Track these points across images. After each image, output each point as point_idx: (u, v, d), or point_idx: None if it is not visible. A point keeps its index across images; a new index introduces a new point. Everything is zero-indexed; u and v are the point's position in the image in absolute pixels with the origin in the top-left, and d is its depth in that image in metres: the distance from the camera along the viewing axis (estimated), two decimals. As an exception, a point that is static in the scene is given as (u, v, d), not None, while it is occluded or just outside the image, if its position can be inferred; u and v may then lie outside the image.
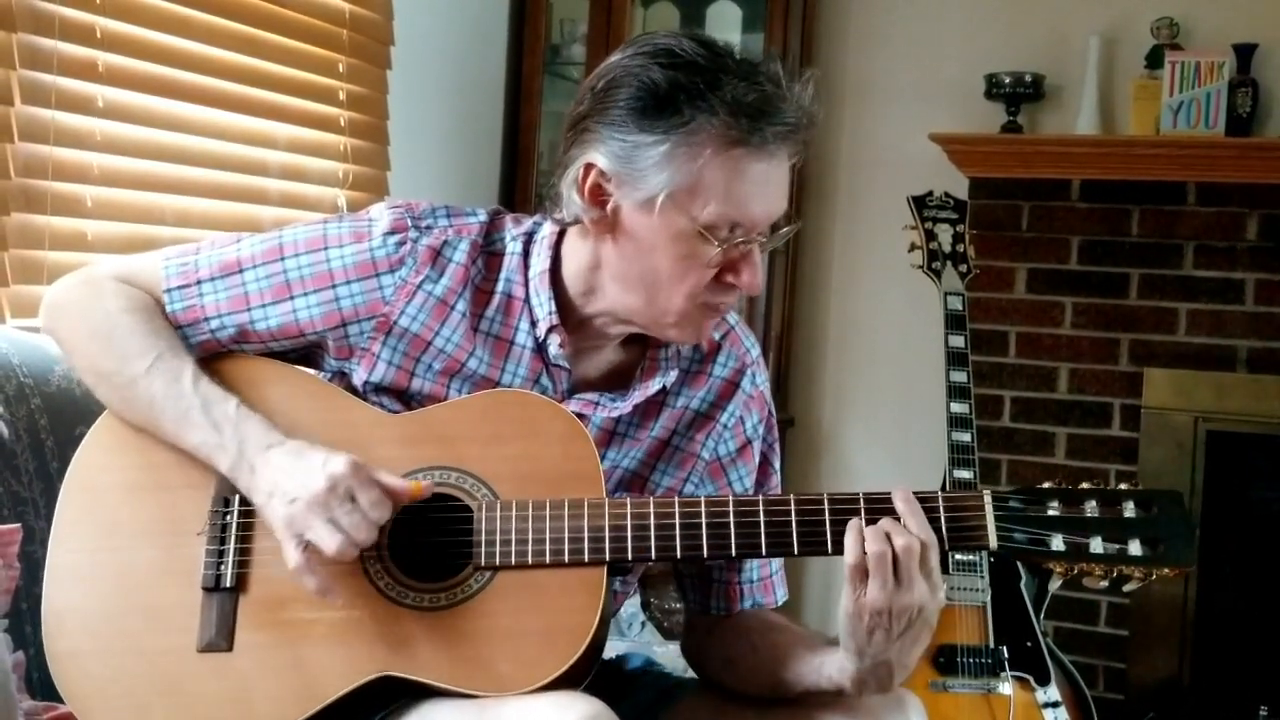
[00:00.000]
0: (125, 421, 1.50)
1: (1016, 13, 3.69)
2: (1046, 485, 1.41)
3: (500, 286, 1.53)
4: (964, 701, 2.71)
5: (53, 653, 1.45)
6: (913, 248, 2.99)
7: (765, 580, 1.62)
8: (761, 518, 1.41)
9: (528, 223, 1.57)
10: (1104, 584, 1.39)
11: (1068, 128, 3.59)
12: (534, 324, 1.51)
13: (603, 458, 1.47)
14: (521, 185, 3.67)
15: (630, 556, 1.41)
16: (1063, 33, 3.63)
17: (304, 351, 1.55)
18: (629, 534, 1.41)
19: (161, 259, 1.54)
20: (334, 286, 1.50)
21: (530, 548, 1.41)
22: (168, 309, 1.52)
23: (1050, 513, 1.39)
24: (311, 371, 1.57)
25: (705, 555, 1.42)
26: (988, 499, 1.39)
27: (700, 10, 3.80)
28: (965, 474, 2.78)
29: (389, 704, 1.42)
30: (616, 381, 1.56)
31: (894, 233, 3.13)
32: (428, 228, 1.52)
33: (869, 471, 3.86)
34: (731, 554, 1.43)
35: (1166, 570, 1.37)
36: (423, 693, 1.39)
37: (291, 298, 1.50)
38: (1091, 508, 1.39)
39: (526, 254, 1.53)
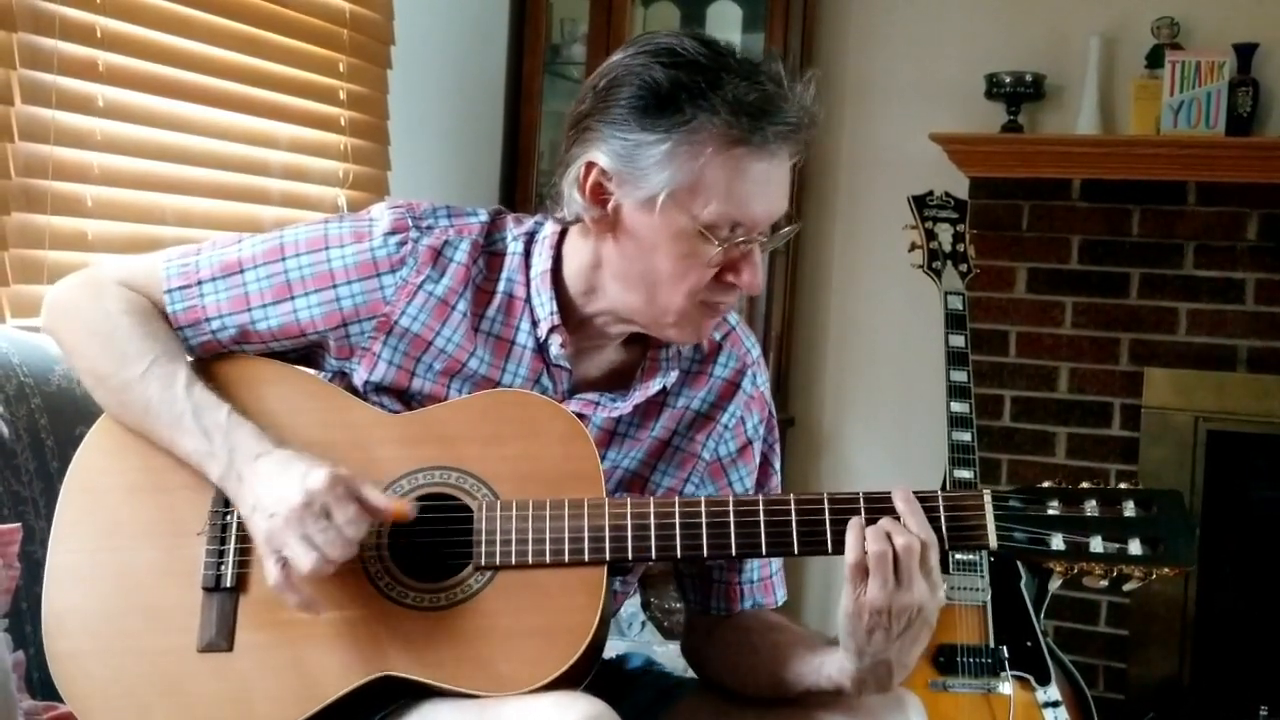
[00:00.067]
0: (123, 425, 1.50)
1: (1017, 13, 3.69)
2: (1046, 485, 1.41)
3: (501, 286, 1.53)
4: (964, 701, 2.71)
5: (53, 653, 1.45)
6: (913, 247, 2.99)
7: (765, 581, 1.62)
8: (761, 517, 1.41)
9: (529, 223, 1.57)
10: (1104, 583, 1.39)
11: (1068, 127, 3.59)
12: (535, 324, 1.51)
13: (603, 458, 1.47)
14: (522, 185, 3.67)
15: (630, 556, 1.41)
16: (1063, 32, 3.63)
17: (305, 351, 1.55)
18: (629, 534, 1.41)
19: (163, 260, 1.54)
20: (335, 286, 1.50)
21: (530, 547, 1.41)
22: (168, 309, 1.52)
23: (1050, 512, 1.39)
24: (311, 371, 1.57)
25: (705, 555, 1.42)
26: (988, 498, 1.39)
27: (700, 10, 3.80)
28: (965, 474, 2.78)
29: (389, 704, 1.42)
30: (617, 382, 1.56)
31: (894, 233, 3.13)
32: (429, 228, 1.52)
33: (869, 471, 3.86)
34: (732, 554, 1.43)
35: (1166, 570, 1.37)
36: (423, 693, 1.39)
37: (292, 298, 1.50)
38: (1091, 507, 1.39)
39: (528, 254, 1.53)
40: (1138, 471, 3.44)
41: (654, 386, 1.54)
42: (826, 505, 1.40)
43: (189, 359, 1.52)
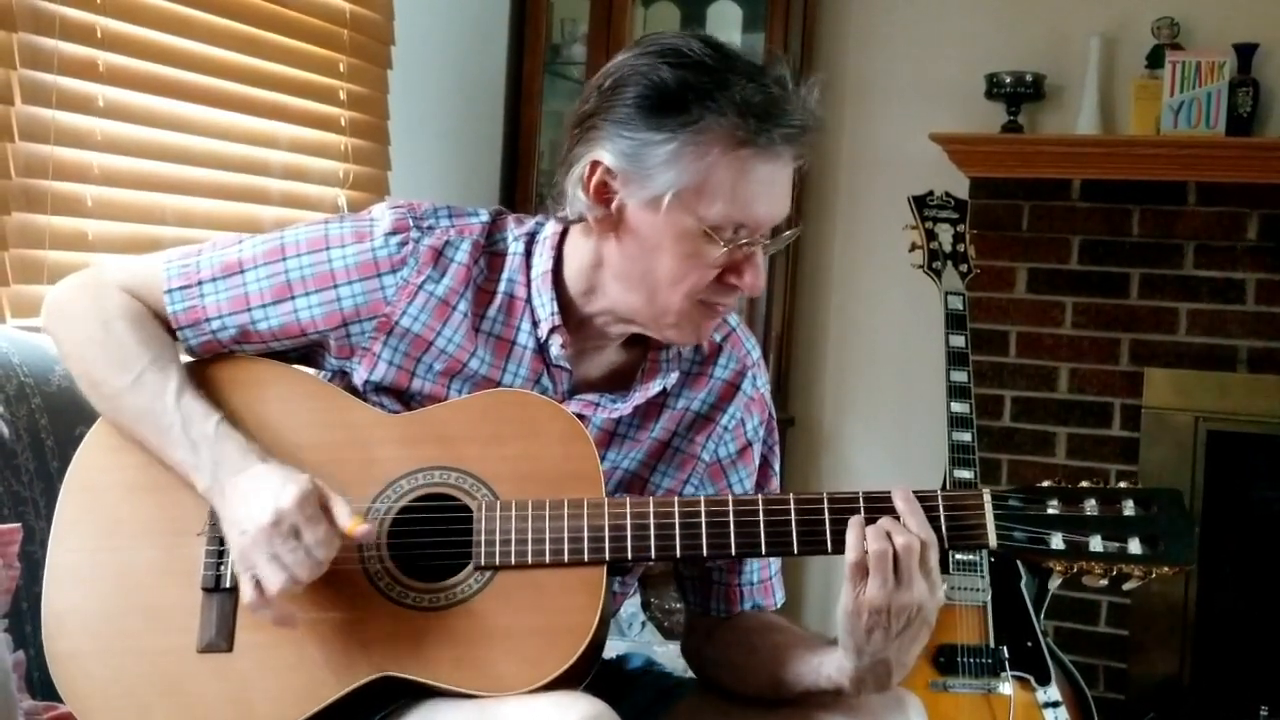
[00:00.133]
0: (117, 430, 1.51)
1: (1017, 13, 3.69)
2: (1046, 484, 1.41)
3: (502, 287, 1.53)
4: (964, 701, 2.71)
5: (53, 654, 1.45)
6: (913, 247, 2.99)
7: (765, 582, 1.62)
8: (761, 517, 1.41)
9: (530, 223, 1.57)
10: (1104, 582, 1.39)
11: (1068, 127, 3.59)
12: (535, 324, 1.51)
13: (603, 459, 1.47)
14: (522, 185, 3.67)
15: (630, 556, 1.41)
16: (1063, 32, 3.63)
17: (304, 351, 1.55)
18: (629, 534, 1.41)
19: (163, 260, 1.54)
20: (335, 286, 1.50)
21: (530, 547, 1.41)
22: (169, 310, 1.51)
23: (1050, 511, 1.39)
24: (311, 371, 1.57)
25: (705, 555, 1.42)
26: (987, 498, 1.39)
27: (700, 10, 3.80)
28: (965, 474, 2.78)
29: (389, 704, 1.42)
30: (617, 382, 1.56)
31: (894, 233, 3.13)
32: (429, 228, 1.52)
33: (869, 471, 3.86)
34: (731, 553, 1.43)
35: (1166, 569, 1.37)
36: (423, 693, 1.39)
37: (293, 298, 1.50)
38: (1091, 506, 1.39)
39: (529, 254, 1.53)
40: (1138, 472, 3.44)
41: (654, 387, 1.54)
42: (826, 505, 1.40)
43: (186, 361, 1.52)
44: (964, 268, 2.96)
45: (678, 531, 1.41)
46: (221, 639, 1.43)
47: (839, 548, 1.37)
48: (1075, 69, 3.59)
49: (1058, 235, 3.56)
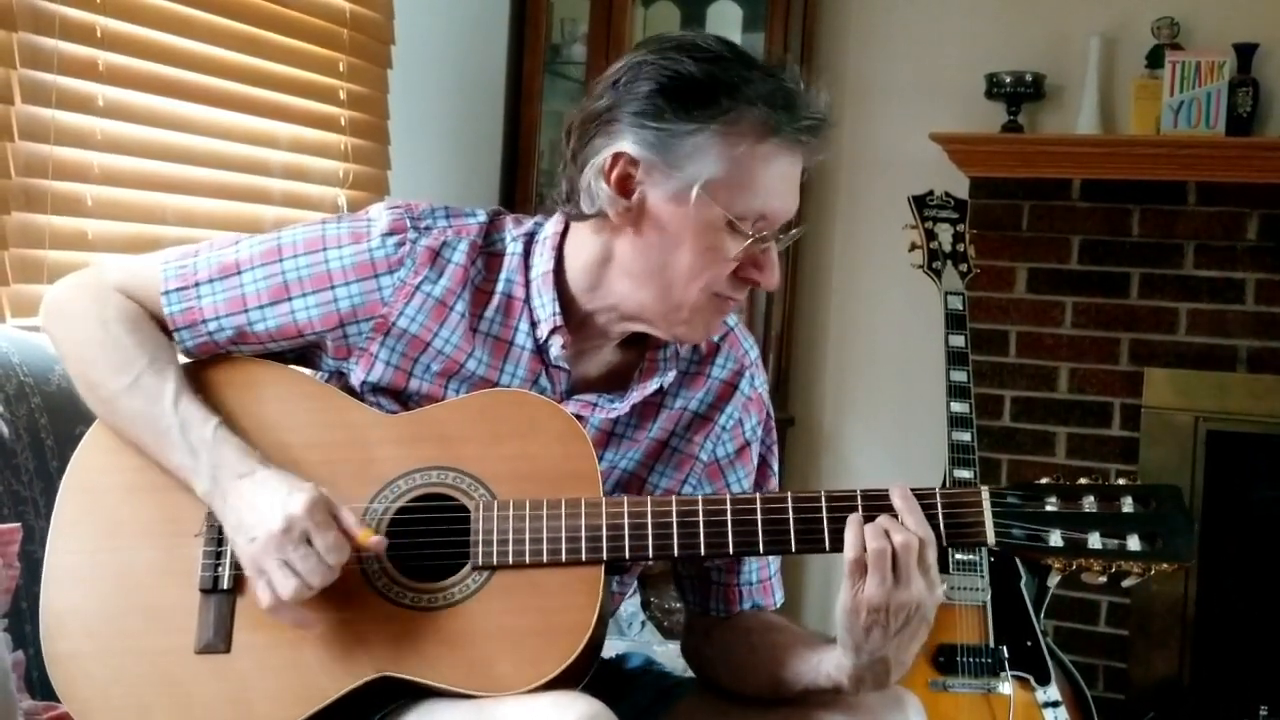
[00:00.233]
0: (114, 433, 1.51)
1: (1017, 13, 3.69)
2: (1044, 481, 1.41)
3: (500, 287, 1.52)
4: (964, 701, 2.71)
5: (51, 654, 1.45)
6: (913, 247, 3.00)
7: (764, 582, 1.62)
8: (759, 516, 1.41)
9: (528, 223, 1.56)
10: (1102, 579, 1.38)
11: (1068, 127, 3.59)
12: (534, 325, 1.51)
13: (600, 459, 1.47)
14: (522, 185, 3.67)
15: (628, 555, 1.41)
16: (1063, 32, 3.63)
17: (301, 352, 1.55)
18: (626, 533, 1.41)
19: (161, 261, 1.54)
20: (332, 287, 1.50)
21: (528, 547, 1.41)
22: (165, 310, 1.51)
23: (1048, 508, 1.39)
24: (308, 372, 1.57)
25: (703, 554, 1.42)
26: (985, 495, 1.39)
27: (700, 10, 3.80)
28: (965, 473, 2.78)
29: (387, 704, 1.41)
30: (615, 382, 1.56)
31: (894, 232, 3.13)
32: (427, 228, 1.52)
33: (869, 471, 3.86)
34: (729, 552, 1.43)
35: (1165, 565, 1.37)
36: (421, 693, 1.39)
37: (289, 299, 1.50)
38: (1090, 503, 1.39)
39: (527, 254, 1.53)
40: (1138, 471, 3.44)
41: (651, 386, 1.54)
42: (824, 503, 1.40)
43: (183, 362, 1.52)
44: (964, 267, 2.96)
45: (675, 531, 1.41)
46: (219, 640, 1.43)
47: (837, 546, 1.37)
48: (1075, 69, 3.59)
49: (1058, 235, 3.56)
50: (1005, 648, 2.75)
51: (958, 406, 2.83)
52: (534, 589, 1.40)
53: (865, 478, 3.76)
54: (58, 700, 1.45)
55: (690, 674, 1.66)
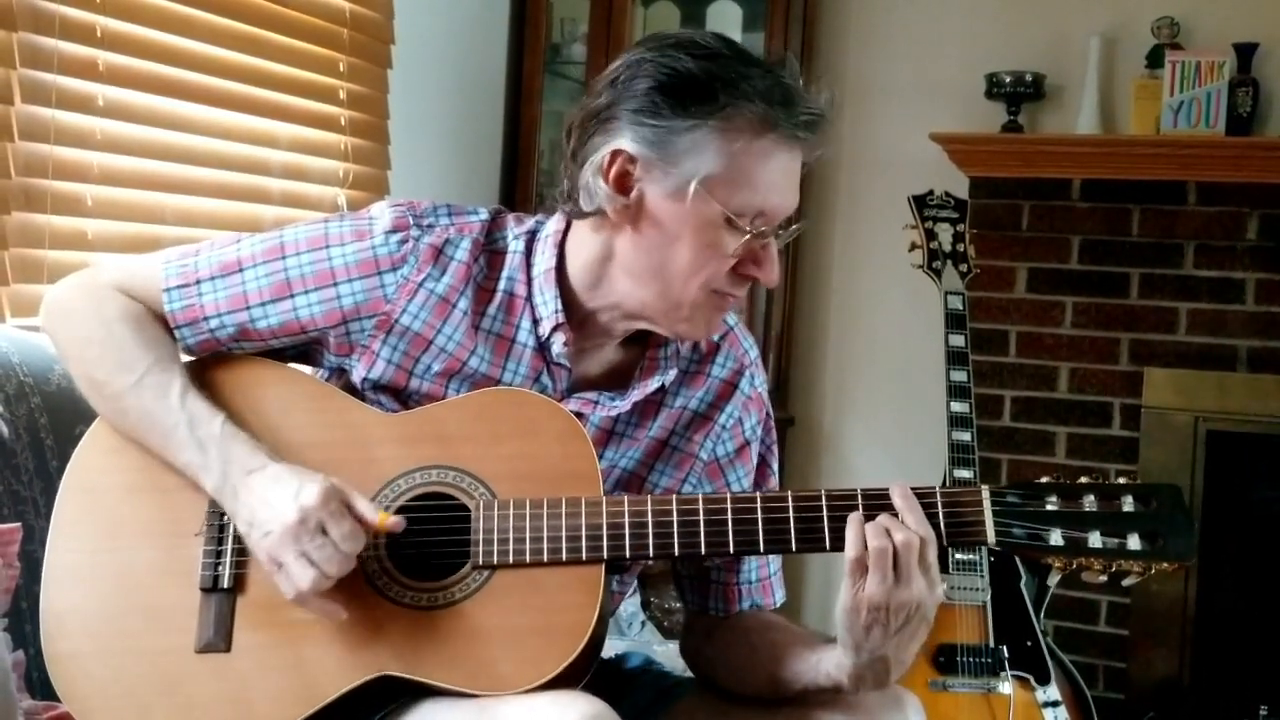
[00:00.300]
0: (118, 431, 1.50)
1: (1017, 12, 3.69)
2: (1045, 480, 1.41)
3: (502, 285, 1.53)
4: (964, 701, 2.71)
5: (52, 654, 1.45)
6: (913, 247, 3.00)
7: (764, 581, 1.62)
8: (759, 515, 1.41)
9: (530, 221, 1.57)
10: (1103, 579, 1.38)
11: (1068, 127, 3.59)
12: (536, 322, 1.51)
13: (600, 457, 1.47)
14: (522, 184, 3.67)
15: (628, 554, 1.41)
16: (1063, 32, 3.63)
17: (303, 349, 1.55)
18: (627, 532, 1.41)
19: (162, 260, 1.54)
20: (335, 284, 1.50)
21: (528, 546, 1.41)
22: (166, 309, 1.51)
23: (1049, 508, 1.39)
24: (309, 370, 1.57)
25: (703, 553, 1.42)
26: (986, 494, 1.39)
27: (700, 10, 3.80)
28: (965, 473, 2.78)
29: (388, 704, 1.41)
30: (615, 380, 1.56)
31: (894, 232, 3.13)
32: (429, 226, 1.52)
33: (869, 471, 3.86)
34: (729, 551, 1.43)
35: (1165, 564, 1.37)
36: (422, 692, 1.39)
37: (292, 296, 1.50)
38: (1090, 502, 1.39)
39: (529, 252, 1.53)
40: (1138, 471, 3.44)
41: (652, 385, 1.54)
42: (824, 502, 1.40)
43: (186, 361, 1.52)
44: (964, 267, 2.96)
45: (676, 530, 1.41)
46: (219, 639, 1.43)
47: (837, 545, 1.37)
48: (1075, 69, 3.59)
49: (1058, 235, 3.56)
50: (1005, 647, 2.75)
51: (958, 406, 2.83)
52: (534, 588, 1.40)
53: (865, 477, 3.75)
54: (58, 700, 1.45)
55: (690, 674, 1.65)
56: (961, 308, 2.91)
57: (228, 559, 1.44)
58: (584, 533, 1.41)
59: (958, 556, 2.78)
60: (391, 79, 3.10)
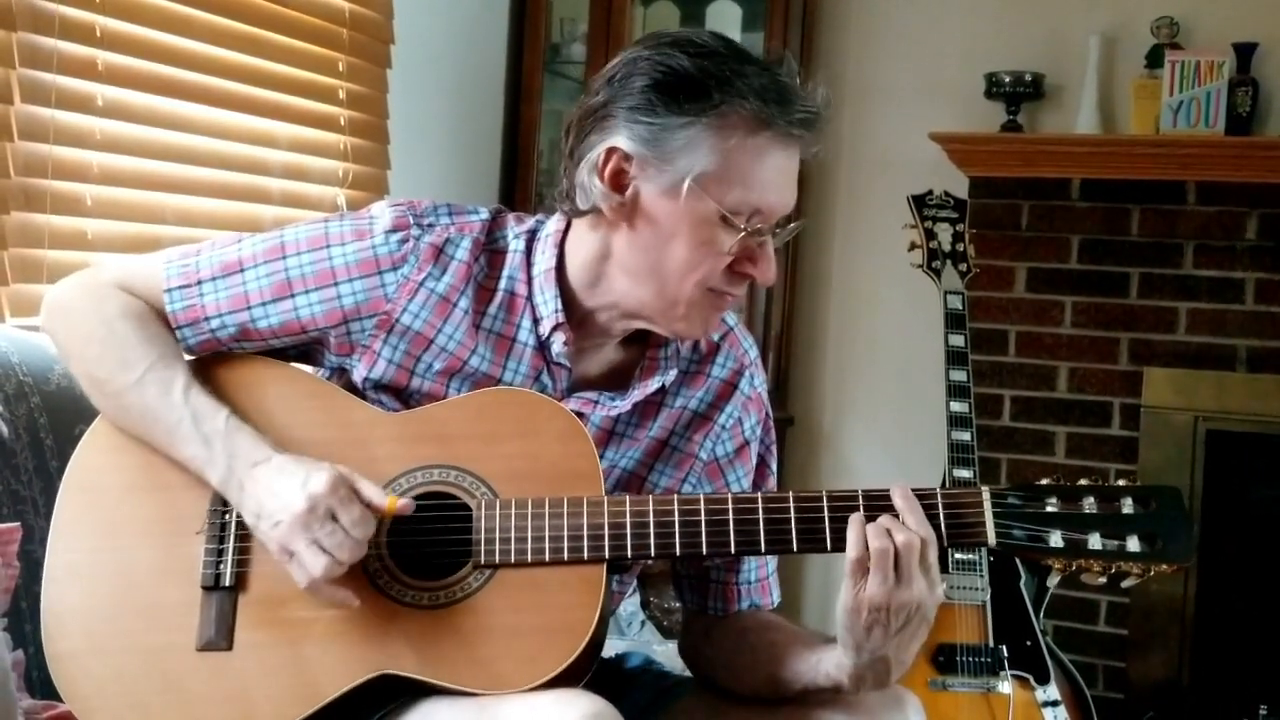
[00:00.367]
0: (120, 429, 1.50)
1: (1016, 12, 3.69)
2: (1045, 482, 1.41)
3: (502, 284, 1.53)
4: (963, 700, 2.71)
5: (52, 653, 1.45)
6: (912, 247, 3.00)
7: (763, 581, 1.62)
8: (760, 515, 1.41)
9: (530, 221, 1.57)
10: (1102, 580, 1.39)
11: (1068, 127, 3.59)
12: (536, 321, 1.51)
13: (601, 457, 1.47)
14: (521, 184, 3.67)
15: (630, 554, 1.41)
16: (1063, 32, 3.63)
17: (304, 349, 1.55)
18: (628, 531, 1.41)
19: (163, 260, 1.54)
20: (336, 284, 1.50)
21: (529, 545, 1.41)
22: (168, 309, 1.51)
23: (1049, 509, 1.39)
24: (310, 370, 1.57)
25: (704, 553, 1.42)
26: (986, 496, 1.40)
27: (700, 9, 3.79)
28: (965, 473, 2.78)
29: (388, 703, 1.41)
30: (616, 380, 1.56)
31: (894, 232, 3.13)
32: (430, 225, 1.52)
33: (869, 471, 3.86)
34: (731, 551, 1.43)
35: (1164, 566, 1.37)
36: (422, 691, 1.39)
37: (293, 295, 1.50)
38: (1090, 504, 1.39)
39: (529, 251, 1.53)
40: (1137, 471, 3.44)
41: (652, 385, 1.54)
42: (825, 503, 1.40)
43: (188, 360, 1.52)
44: (963, 267, 2.96)
45: (677, 529, 1.41)
46: (221, 637, 1.43)
47: (838, 545, 1.38)
48: (1075, 68, 3.58)
49: (1057, 234, 3.56)
50: (1005, 647, 2.76)
51: (957, 406, 2.83)
52: (535, 587, 1.40)
53: (865, 477, 3.76)
54: (58, 699, 1.45)
55: (689, 673, 1.66)
56: (961, 307, 2.91)
57: (229, 557, 1.44)
58: (585, 532, 1.41)
59: (957, 556, 2.78)
60: (391, 79, 3.10)
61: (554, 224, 1.53)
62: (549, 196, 1.53)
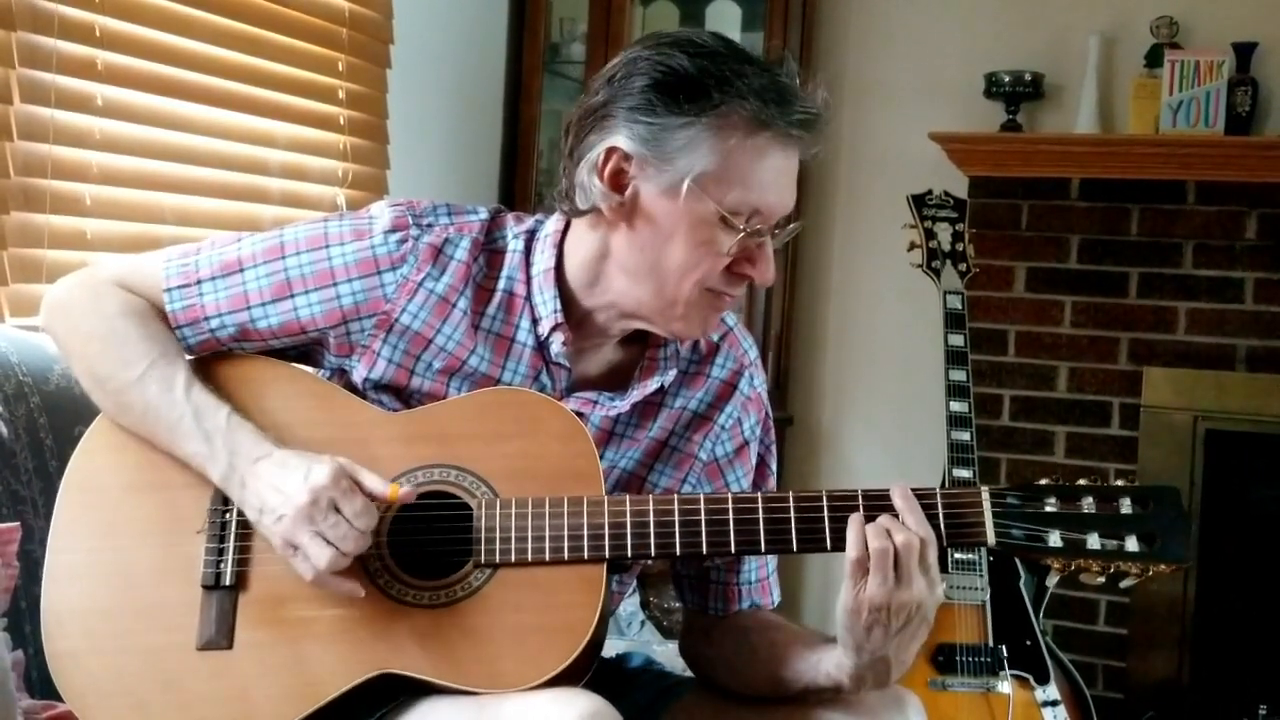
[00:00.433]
0: (121, 427, 1.50)
1: (1016, 12, 3.69)
2: (1044, 482, 1.41)
3: (502, 284, 1.53)
4: (963, 700, 2.71)
5: (52, 653, 1.45)
6: (912, 247, 3.00)
7: (763, 581, 1.62)
8: (760, 515, 1.41)
9: (529, 221, 1.57)
10: (1101, 580, 1.39)
11: (1067, 127, 3.59)
12: (535, 322, 1.51)
13: (600, 457, 1.47)
14: (521, 184, 3.67)
15: (630, 554, 1.41)
16: (1062, 32, 3.63)
17: (304, 349, 1.55)
18: (629, 531, 1.41)
19: (163, 259, 1.54)
20: (335, 284, 1.50)
21: (530, 545, 1.41)
22: (168, 308, 1.52)
23: (1048, 509, 1.39)
24: (310, 369, 1.57)
25: (704, 552, 1.42)
26: (985, 496, 1.40)
27: (700, 9, 3.80)
28: (965, 473, 2.78)
29: (388, 702, 1.42)
30: (615, 381, 1.56)
31: (894, 232, 3.13)
32: (429, 225, 1.52)
33: (869, 470, 3.86)
34: (731, 551, 1.43)
35: (1163, 566, 1.37)
36: (422, 690, 1.40)
37: (292, 295, 1.50)
38: (1089, 504, 1.39)
39: (528, 251, 1.53)
40: (1137, 471, 3.44)
41: (652, 385, 1.54)
42: (825, 503, 1.40)
43: (188, 359, 1.52)
44: (963, 267, 2.96)
45: (678, 529, 1.41)
46: (221, 637, 1.43)
47: (838, 545, 1.38)
48: (1074, 68, 3.58)
49: (1057, 234, 3.56)
50: (1004, 647, 2.76)
51: (957, 406, 2.83)
52: (536, 587, 1.40)
53: (865, 477, 3.76)
54: (58, 699, 1.45)
55: (690, 673, 1.66)
56: (961, 307, 2.91)
57: (229, 556, 1.45)
58: (585, 532, 1.41)
59: (957, 556, 2.78)
60: (391, 79, 3.10)
61: (553, 224, 1.53)
62: (548, 196, 1.53)
